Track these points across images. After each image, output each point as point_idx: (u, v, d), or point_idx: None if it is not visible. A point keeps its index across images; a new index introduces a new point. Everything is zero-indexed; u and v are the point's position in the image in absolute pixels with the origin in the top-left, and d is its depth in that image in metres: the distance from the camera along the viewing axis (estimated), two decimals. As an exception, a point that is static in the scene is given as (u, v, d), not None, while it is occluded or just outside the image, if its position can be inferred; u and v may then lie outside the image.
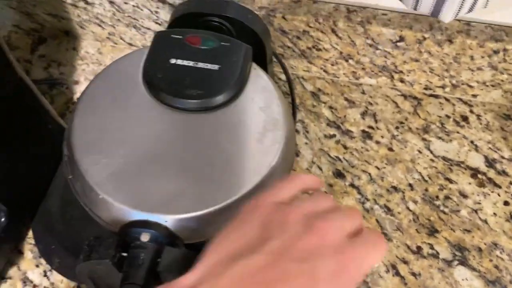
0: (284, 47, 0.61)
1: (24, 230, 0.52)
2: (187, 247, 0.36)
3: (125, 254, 0.35)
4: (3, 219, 0.48)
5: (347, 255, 0.26)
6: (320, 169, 0.57)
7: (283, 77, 0.64)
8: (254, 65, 0.44)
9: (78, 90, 0.64)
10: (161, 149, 0.38)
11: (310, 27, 0.57)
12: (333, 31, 0.57)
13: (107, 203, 0.36)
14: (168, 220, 0.35)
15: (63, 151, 0.40)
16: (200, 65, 0.41)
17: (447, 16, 0.48)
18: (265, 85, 0.42)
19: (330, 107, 0.62)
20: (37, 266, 0.51)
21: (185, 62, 0.42)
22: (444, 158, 0.58)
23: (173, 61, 0.42)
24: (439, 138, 0.59)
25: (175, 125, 0.40)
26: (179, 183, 0.37)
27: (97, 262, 0.34)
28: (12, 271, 0.51)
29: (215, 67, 0.41)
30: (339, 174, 0.57)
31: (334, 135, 0.60)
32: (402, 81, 0.62)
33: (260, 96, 0.41)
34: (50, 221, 0.50)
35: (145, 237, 0.35)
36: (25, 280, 0.50)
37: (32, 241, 0.52)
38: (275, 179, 0.38)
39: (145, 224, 0.35)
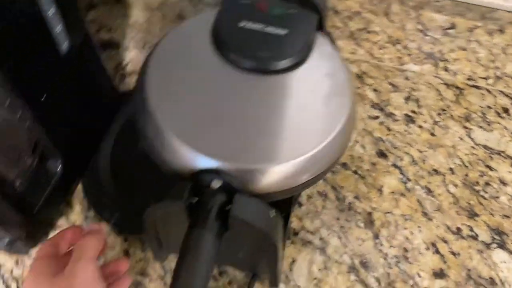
0: (334, 27, 0.62)
1: (74, 183, 0.53)
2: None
3: (195, 201, 0.36)
4: (59, 168, 0.49)
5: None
6: (364, 147, 0.58)
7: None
8: (319, 34, 0.45)
9: (128, 56, 0.65)
10: (231, 106, 0.39)
11: (364, 8, 0.58)
12: (386, 13, 0.58)
13: (180, 149, 0.37)
14: (239, 169, 0.36)
15: (135, 100, 0.41)
16: (268, 29, 0.43)
17: None
18: (330, 53, 0.44)
19: (375, 90, 0.63)
20: (86, 217, 0.52)
21: (254, 26, 0.43)
22: (484, 147, 0.59)
23: (241, 24, 0.43)
24: (480, 127, 0.60)
25: (243, 85, 0.41)
26: (249, 137, 0.38)
27: (169, 204, 0.36)
28: (61, 221, 0.52)
29: (283, 32, 0.42)
30: (382, 154, 0.58)
31: (377, 117, 0.61)
32: (446, 69, 0.63)
33: (325, 63, 0.43)
34: (99, 177, 0.51)
35: (216, 184, 0.36)
36: (74, 231, 0.51)
37: (80, 194, 0.54)
38: (340, 142, 0.40)
39: (216, 172, 0.36)
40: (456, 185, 0.56)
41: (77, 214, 0.53)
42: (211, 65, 0.42)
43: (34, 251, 0.50)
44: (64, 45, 0.44)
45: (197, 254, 0.35)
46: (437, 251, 0.51)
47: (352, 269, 0.50)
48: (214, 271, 0.49)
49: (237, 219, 0.35)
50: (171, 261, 0.50)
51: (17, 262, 0.50)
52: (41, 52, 0.42)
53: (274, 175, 0.37)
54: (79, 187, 0.54)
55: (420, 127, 0.60)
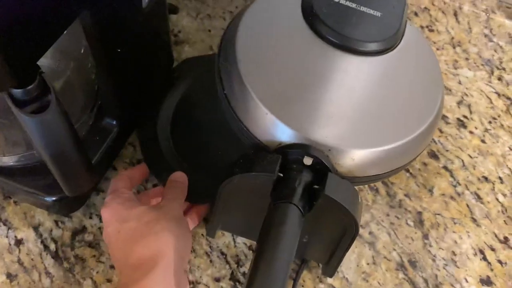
0: (397, 21, 0.61)
1: (123, 146, 0.51)
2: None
3: (281, 175, 0.35)
4: (115, 128, 0.46)
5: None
6: (415, 146, 0.57)
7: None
8: (409, 20, 0.43)
9: (180, 23, 0.63)
10: (322, 83, 0.38)
11: (434, 5, 0.57)
12: (455, 13, 0.57)
13: (271, 122, 0.35)
14: (331, 149, 0.35)
15: (217, 65, 0.39)
16: (363, 9, 0.41)
17: None
18: (419, 39, 0.42)
19: (427, 90, 0.62)
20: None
21: (348, 3, 0.41)
22: (533, 159, 0.59)
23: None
24: (530, 139, 0.60)
25: (334, 62, 0.39)
26: (343, 116, 0.36)
27: (257, 175, 0.34)
28: (105, 186, 0.50)
29: (377, 13, 0.41)
30: (433, 155, 0.57)
31: (429, 117, 0.60)
32: (499, 79, 0.63)
33: (415, 49, 0.41)
34: (159, 142, 0.49)
35: (307, 161, 0.34)
36: (118, 197, 0.49)
37: (127, 160, 0.51)
38: (430, 131, 0.38)
39: (307, 149, 0.34)
40: (504, 195, 0.55)
41: (122, 179, 0.50)
42: (301, 37, 0.40)
43: (74, 215, 0.48)
44: (145, -2, 0.42)
45: (283, 229, 0.33)
46: (484, 258, 0.51)
47: (400, 266, 0.49)
48: (262, 254, 0.48)
49: (329, 198, 0.33)
50: (218, 238, 0.48)
51: (57, 223, 0.47)
52: (125, 2, 0.39)
53: (363, 159, 0.36)
54: (122, 152, 0.52)
55: (471, 132, 0.59)
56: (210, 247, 0.48)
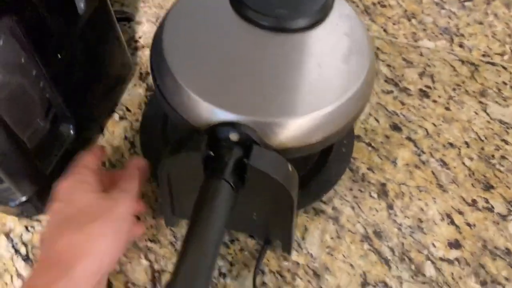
0: (348, 1, 0.61)
1: (86, 148, 0.53)
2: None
3: (211, 154, 0.36)
4: (71, 132, 0.48)
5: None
6: (377, 121, 0.58)
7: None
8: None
9: (140, 30, 0.65)
10: (248, 63, 0.39)
11: (379, -21, 0.57)
12: (402, -15, 0.57)
13: (197, 103, 0.36)
14: (256, 122, 0.36)
15: (150, 59, 0.41)
16: (287, -13, 0.42)
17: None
18: (348, 13, 0.43)
19: (388, 65, 0.62)
20: (97, 185, 0.52)
21: (272, -16, 0.42)
22: (500, 121, 0.58)
23: (259, -18, 0.43)
24: (496, 102, 0.60)
25: (261, 43, 0.40)
26: (267, 91, 0.37)
27: (186, 155, 0.35)
28: (73, 188, 0.52)
29: (302, -10, 0.42)
30: (396, 127, 0.57)
31: (391, 91, 0.60)
32: (461, 45, 0.63)
33: (344, 22, 0.42)
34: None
35: (234, 137, 0.36)
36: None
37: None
38: (357, 101, 0.39)
39: (234, 126, 0.36)
40: (471, 158, 0.55)
41: (88, 180, 0.52)
42: (229, 22, 0.41)
43: (43, 217, 0.50)
44: (81, 3, 0.44)
45: (214, 204, 0.34)
46: (452, 222, 0.51)
47: (365, 238, 0.49)
48: (225, 238, 0.49)
49: (255, 170, 0.34)
50: (182, 228, 0.49)
51: (27, 228, 0.49)
52: (59, 10, 0.41)
53: (291, 129, 0.37)
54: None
55: (435, 101, 0.59)
56: (174, 237, 0.49)
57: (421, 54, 0.63)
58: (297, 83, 0.38)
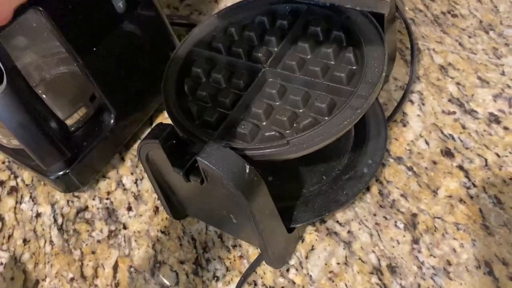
0: (415, 10, 0.56)
1: (126, 140, 0.57)
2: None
3: (174, 142, 0.36)
4: (112, 121, 0.53)
5: None
6: (427, 143, 0.51)
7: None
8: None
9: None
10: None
11: (446, -14, 0.51)
12: (473, -8, 0.50)
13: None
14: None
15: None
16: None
17: None
18: None
19: (458, 83, 0.54)
20: (132, 173, 0.56)
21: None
22: None
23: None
24: None
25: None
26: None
27: (150, 142, 0.36)
28: (111, 173, 0.57)
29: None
30: (447, 153, 0.49)
31: (454, 112, 0.52)
32: (556, 65, 0.52)
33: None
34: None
35: (198, 132, 0.35)
36: (119, 183, 0.55)
37: (134, 152, 0.58)
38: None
39: (202, 121, 0.35)
40: (538, 201, 0.45)
41: (126, 168, 0.57)
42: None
43: (82, 196, 0.55)
44: (120, 3, 0.48)
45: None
46: (490, 273, 0.42)
47: (376, 270, 0.44)
48: (228, 242, 0.48)
49: (202, 164, 0.33)
50: (194, 224, 0.50)
51: (68, 202, 0.55)
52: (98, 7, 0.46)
53: (260, 131, 0.35)
54: (135, 145, 0.58)
55: (506, 129, 0.50)
56: (183, 231, 0.50)
57: (502, 73, 0.54)
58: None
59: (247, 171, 0.34)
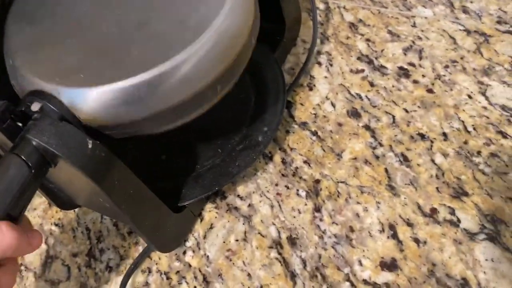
0: (318, -35, 0.52)
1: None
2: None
3: (20, 124, 0.32)
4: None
5: None
6: (333, 106, 0.47)
7: (321, 6, 0.55)
8: None
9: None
10: (74, 28, 0.34)
11: None
12: None
13: (15, 70, 0.33)
14: (61, 92, 0.31)
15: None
16: None
17: None
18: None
19: (367, 40, 0.51)
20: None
21: None
22: (503, 107, 0.43)
23: None
24: (503, 82, 0.44)
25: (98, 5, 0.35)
26: (83, 56, 0.32)
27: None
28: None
29: None
30: (354, 114, 0.46)
31: (362, 70, 0.49)
32: (465, 11, 0.48)
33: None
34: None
35: (35, 107, 0.31)
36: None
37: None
38: (205, 61, 0.31)
39: (41, 94, 0.31)
40: (446, 155, 0.41)
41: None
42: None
43: None
44: None
45: (3, 180, 0.30)
46: (394, 236, 0.38)
47: (276, 244, 0.40)
48: (123, 229, 0.44)
49: (35, 143, 0.29)
50: (87, 214, 0.46)
51: None
52: None
53: (104, 99, 0.31)
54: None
55: (416, 82, 0.46)
56: (77, 222, 0.46)
57: (414, 25, 0.51)
58: (120, 48, 0.32)
59: (90, 146, 0.30)
